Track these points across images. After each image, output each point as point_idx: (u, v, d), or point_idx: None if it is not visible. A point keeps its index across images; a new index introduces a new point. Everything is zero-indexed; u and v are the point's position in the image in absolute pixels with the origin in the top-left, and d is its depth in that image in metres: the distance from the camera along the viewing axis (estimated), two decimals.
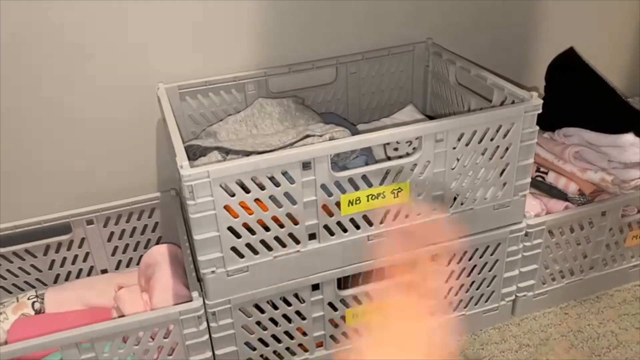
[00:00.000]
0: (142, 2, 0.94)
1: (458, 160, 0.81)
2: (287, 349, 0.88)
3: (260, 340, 0.85)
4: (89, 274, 1.07)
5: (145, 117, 1.02)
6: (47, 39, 0.92)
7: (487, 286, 0.95)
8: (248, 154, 0.83)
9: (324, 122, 0.96)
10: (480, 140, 0.80)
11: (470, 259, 0.91)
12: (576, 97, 1.09)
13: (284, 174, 0.72)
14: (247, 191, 0.72)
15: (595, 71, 1.09)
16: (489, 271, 0.94)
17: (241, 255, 0.76)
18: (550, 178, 1.04)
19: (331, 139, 0.82)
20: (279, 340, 0.86)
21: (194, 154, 0.89)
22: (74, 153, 1.02)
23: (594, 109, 1.07)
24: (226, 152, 0.86)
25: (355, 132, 1.00)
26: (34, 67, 0.93)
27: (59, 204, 1.01)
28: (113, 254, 1.07)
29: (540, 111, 0.81)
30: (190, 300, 0.78)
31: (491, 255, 0.92)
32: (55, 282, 1.06)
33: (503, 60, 1.21)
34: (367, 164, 0.86)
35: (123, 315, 0.86)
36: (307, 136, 0.84)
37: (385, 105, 1.13)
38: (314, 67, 1.04)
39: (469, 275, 0.93)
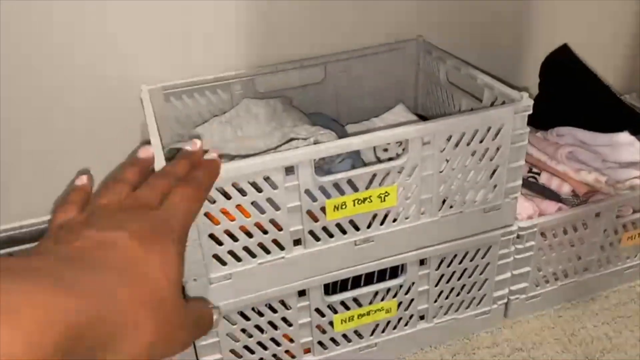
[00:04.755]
0: (123, 2, 0.92)
1: (447, 161, 0.79)
2: (274, 355, 0.86)
3: (246, 347, 0.84)
4: None
5: (129, 120, 1.00)
6: (26, 40, 0.90)
7: (479, 289, 0.94)
8: (232, 158, 0.81)
9: (311, 123, 0.94)
10: (469, 142, 0.78)
11: (460, 262, 0.89)
12: (570, 94, 1.07)
13: (266, 179, 0.70)
14: (228, 197, 0.70)
15: (588, 68, 1.07)
16: (481, 274, 0.92)
17: (223, 263, 0.74)
18: (543, 179, 1.02)
19: (316, 142, 0.80)
20: (265, 347, 0.85)
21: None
22: (60, 157, 1.00)
23: (587, 107, 1.05)
24: None
25: (343, 133, 0.98)
26: (20, 72, 0.91)
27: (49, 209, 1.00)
28: None
29: (530, 112, 0.79)
30: None
31: (482, 258, 0.90)
32: None
33: (497, 58, 1.19)
34: (353, 167, 0.84)
35: None
36: (292, 139, 0.82)
37: (375, 104, 1.10)
38: (301, 67, 1.02)
39: (459, 278, 0.91)
